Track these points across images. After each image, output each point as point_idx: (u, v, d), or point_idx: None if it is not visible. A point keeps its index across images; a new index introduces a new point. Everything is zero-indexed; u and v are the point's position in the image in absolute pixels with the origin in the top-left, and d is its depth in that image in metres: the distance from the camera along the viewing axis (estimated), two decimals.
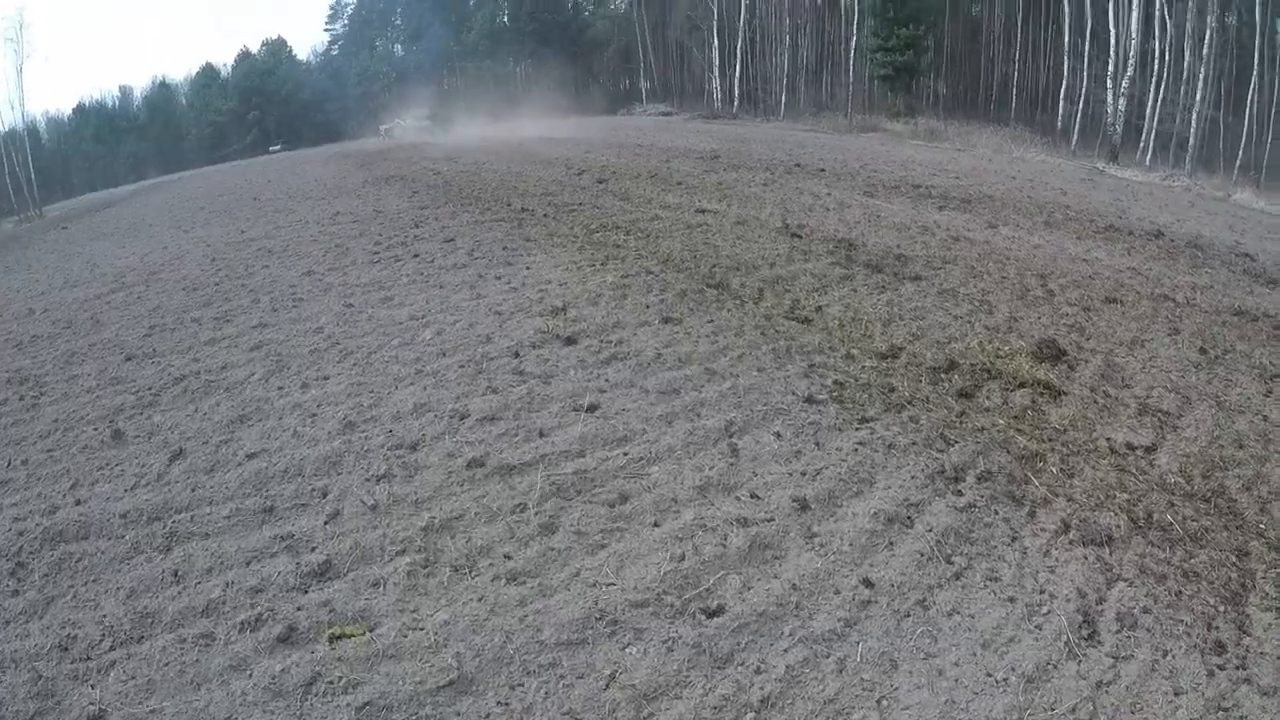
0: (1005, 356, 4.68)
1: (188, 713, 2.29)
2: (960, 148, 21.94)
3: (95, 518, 3.40)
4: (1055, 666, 2.34)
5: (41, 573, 3.09)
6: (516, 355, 4.70)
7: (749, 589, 2.65)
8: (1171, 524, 3.02)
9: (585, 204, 10.05)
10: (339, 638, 2.49)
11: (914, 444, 3.57)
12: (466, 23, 53.37)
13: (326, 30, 61.40)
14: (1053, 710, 2.19)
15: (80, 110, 57.02)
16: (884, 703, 2.24)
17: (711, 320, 5.19)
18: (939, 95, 34.30)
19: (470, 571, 2.78)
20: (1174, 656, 2.38)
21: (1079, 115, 27.24)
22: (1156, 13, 24.88)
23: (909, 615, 2.54)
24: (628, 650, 2.42)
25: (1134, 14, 24.11)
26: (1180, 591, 2.64)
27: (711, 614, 2.53)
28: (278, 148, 48.80)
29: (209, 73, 57.49)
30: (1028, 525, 3.01)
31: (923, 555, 2.80)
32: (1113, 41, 24.80)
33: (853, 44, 33.85)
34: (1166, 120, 24.32)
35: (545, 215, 9.30)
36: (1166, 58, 24.76)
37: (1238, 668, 2.35)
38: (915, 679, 2.31)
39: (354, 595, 2.70)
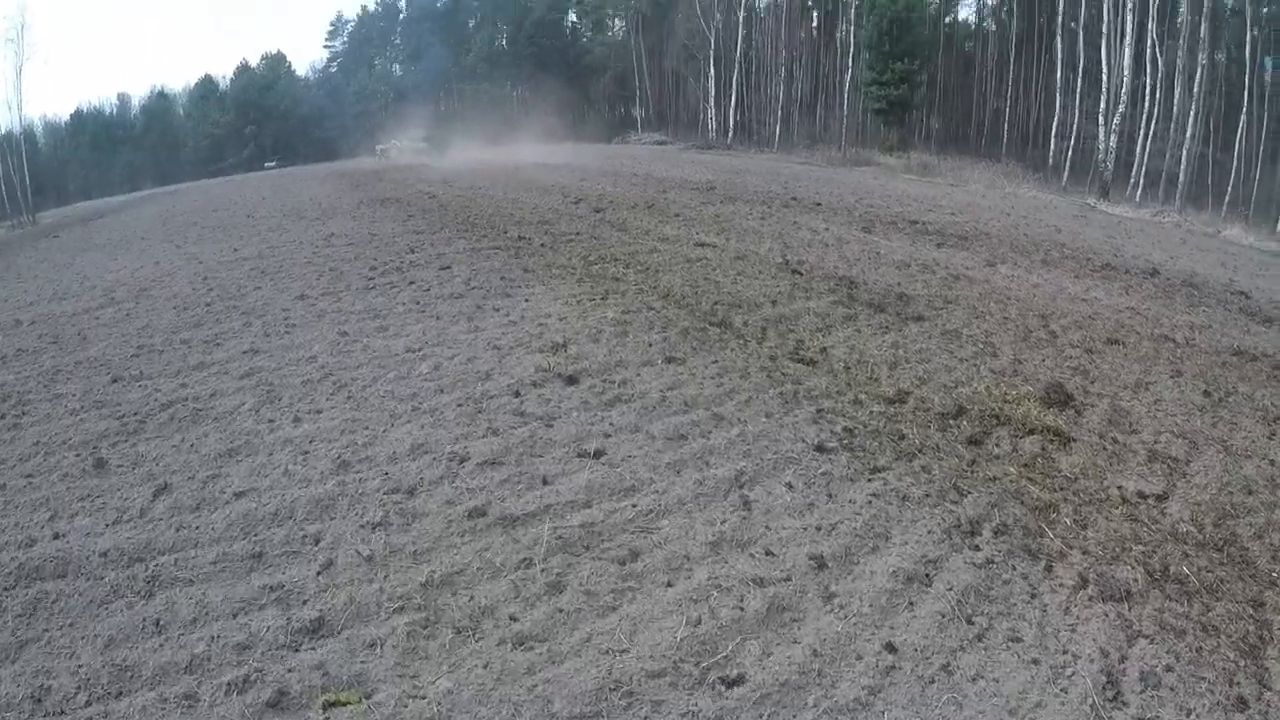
0: (1013, 402, 4.64)
1: None
2: (953, 183, 22.18)
3: (74, 554, 3.23)
4: None
5: (15, 612, 2.91)
6: (517, 394, 4.58)
7: (769, 655, 2.53)
8: (1187, 576, 3.00)
9: (583, 234, 10.00)
10: (333, 704, 2.34)
11: (927, 495, 3.50)
12: (465, 45, 53.89)
13: (326, 47, 61.94)
14: None
15: (78, 116, 57.00)
16: None
17: (716, 360, 5.10)
18: (931, 130, 34.79)
19: (474, 634, 2.63)
20: (1199, 716, 2.34)
21: (1070, 151, 27.65)
22: (1148, 50, 25.40)
23: (934, 681, 2.45)
24: None
25: (1126, 51, 24.59)
26: (1200, 647, 2.60)
27: (732, 684, 2.41)
28: (273, 164, 48.78)
29: (207, 84, 57.69)
30: (1045, 581, 2.95)
31: (944, 616, 2.72)
32: (1105, 78, 25.26)
33: (848, 77, 34.33)
34: (1156, 156, 24.74)
35: (543, 245, 9.24)
36: (1157, 95, 25.22)
37: None
38: None
39: (349, 657, 2.54)
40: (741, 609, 2.72)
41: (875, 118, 33.15)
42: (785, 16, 40.23)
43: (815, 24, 41.25)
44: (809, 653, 2.53)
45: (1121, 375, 5.30)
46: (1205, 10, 23.98)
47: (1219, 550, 3.20)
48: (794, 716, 2.31)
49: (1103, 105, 25.26)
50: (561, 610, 2.72)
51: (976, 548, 3.12)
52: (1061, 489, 3.65)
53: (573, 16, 54.54)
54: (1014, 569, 3.00)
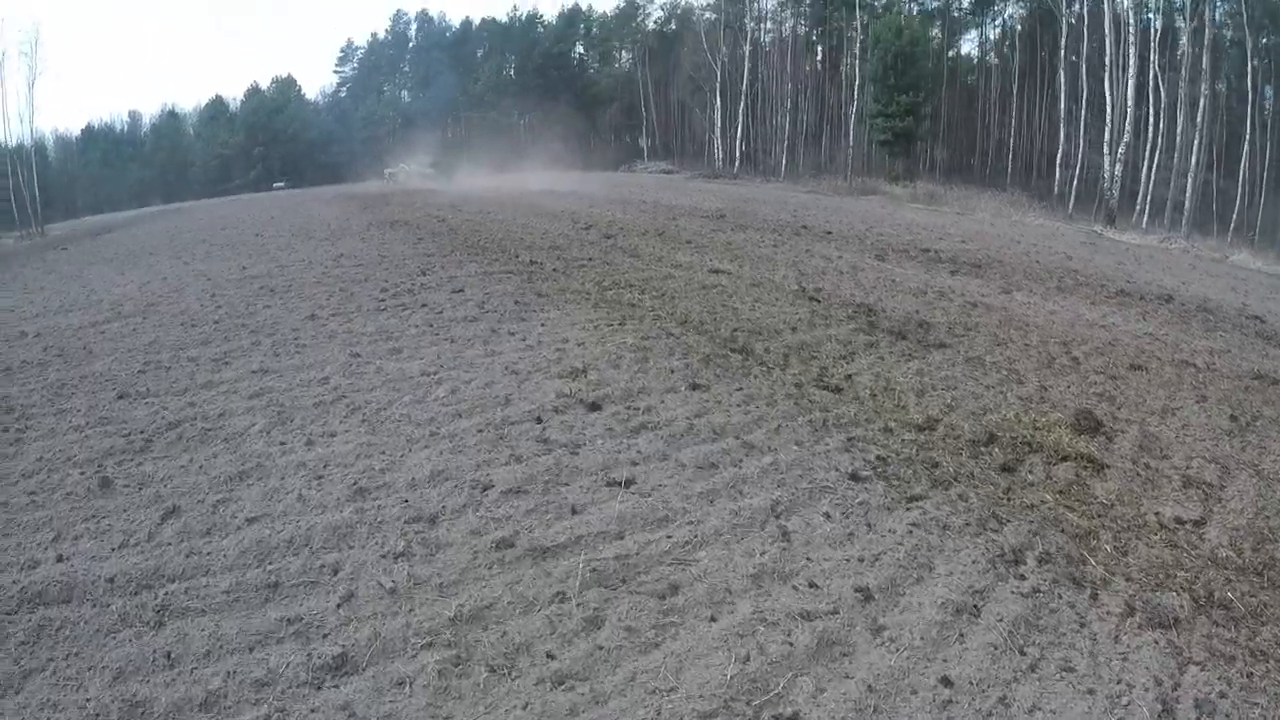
0: (1044, 429, 4.59)
1: None
2: (960, 211, 22.26)
3: (79, 579, 3.08)
4: None
5: (18, 640, 2.76)
6: (539, 420, 4.46)
7: (822, 692, 2.41)
8: (1232, 601, 2.97)
9: (595, 259, 9.94)
10: None
11: (968, 525, 3.40)
12: (474, 74, 54.57)
13: (336, 72, 62.62)
14: None
15: (89, 132, 57.62)
16: None
17: (740, 388, 5.00)
18: (936, 160, 35.06)
19: (510, 672, 2.48)
20: None
21: (1075, 180, 27.82)
22: (1150, 81, 25.66)
23: (991, 715, 2.36)
24: None
25: (1129, 83, 24.83)
26: (1251, 673, 2.58)
27: None
28: (281, 185, 49.14)
29: (218, 105, 58.32)
30: (1092, 609, 2.88)
31: (995, 647, 2.63)
32: (1108, 109, 25.50)
33: (853, 109, 34.68)
34: (1161, 184, 24.91)
35: (555, 270, 9.16)
36: (1160, 124, 25.44)
37: None
38: None
39: (376, 696, 2.39)
40: (790, 644, 2.60)
41: (880, 148, 33.45)
42: (790, 50, 40.81)
43: (820, 58, 41.84)
44: (863, 688, 2.42)
45: (1148, 401, 5.27)
46: (1206, 42, 24.27)
47: (1259, 575, 3.18)
48: None
49: (1107, 135, 25.47)
50: (601, 647, 2.58)
51: (1022, 577, 3.05)
52: (1099, 516, 3.60)
53: (580, 48, 55.37)
54: (1060, 597, 2.94)
